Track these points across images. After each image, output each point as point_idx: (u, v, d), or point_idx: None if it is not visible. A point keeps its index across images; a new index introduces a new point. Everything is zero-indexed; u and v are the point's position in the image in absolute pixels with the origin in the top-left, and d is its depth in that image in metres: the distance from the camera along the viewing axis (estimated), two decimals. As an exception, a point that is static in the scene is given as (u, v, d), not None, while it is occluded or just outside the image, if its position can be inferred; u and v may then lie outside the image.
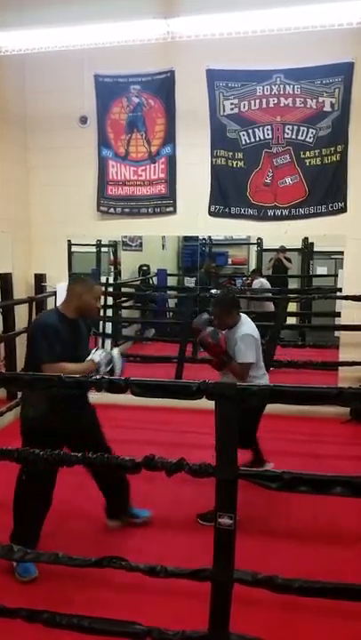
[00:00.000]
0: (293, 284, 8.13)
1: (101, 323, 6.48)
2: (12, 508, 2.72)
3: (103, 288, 7.64)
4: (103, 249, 7.64)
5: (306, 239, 7.62)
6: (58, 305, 2.96)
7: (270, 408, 3.60)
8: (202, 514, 3.09)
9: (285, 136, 4.89)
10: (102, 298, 7.65)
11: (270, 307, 6.38)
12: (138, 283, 8.42)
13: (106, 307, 7.48)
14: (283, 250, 8.07)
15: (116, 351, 2.97)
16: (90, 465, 2.07)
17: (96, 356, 2.81)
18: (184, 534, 3.04)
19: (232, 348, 3.24)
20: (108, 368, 2.84)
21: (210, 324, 3.31)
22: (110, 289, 8.12)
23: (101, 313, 3.45)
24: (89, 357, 2.80)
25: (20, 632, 2.12)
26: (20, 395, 4.83)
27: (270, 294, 7.21)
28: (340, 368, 5.17)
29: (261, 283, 7.24)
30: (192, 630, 1.93)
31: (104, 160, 5.26)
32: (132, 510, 3.15)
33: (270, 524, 3.16)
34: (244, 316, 3.39)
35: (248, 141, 4.96)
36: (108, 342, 6.62)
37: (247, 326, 3.30)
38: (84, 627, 1.98)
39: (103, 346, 6.23)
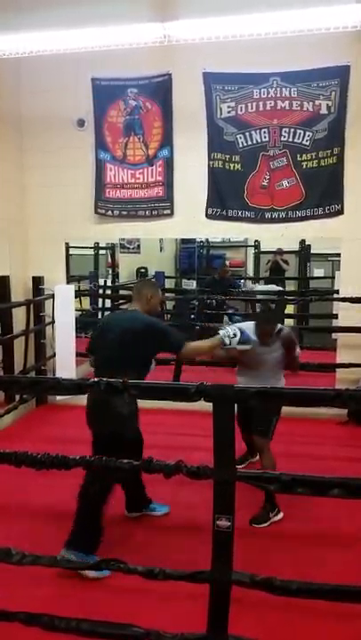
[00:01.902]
0: (291, 286, 8.15)
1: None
2: (10, 506, 2.71)
3: (101, 290, 7.67)
4: (101, 251, 7.65)
5: (303, 241, 7.65)
6: (136, 307, 2.98)
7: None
8: (253, 519, 3.16)
9: (282, 139, 4.91)
10: (101, 300, 7.70)
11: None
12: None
13: (104, 309, 7.49)
14: (280, 252, 8.10)
15: (240, 326, 3.03)
16: (89, 467, 2.07)
17: (221, 331, 2.90)
18: (182, 536, 3.04)
19: (276, 350, 3.34)
20: (233, 340, 2.86)
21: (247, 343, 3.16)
22: (108, 291, 8.13)
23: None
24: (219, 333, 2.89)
25: (18, 636, 2.11)
26: (18, 398, 4.83)
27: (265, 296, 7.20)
28: (337, 370, 5.18)
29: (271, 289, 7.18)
30: (190, 632, 1.93)
31: (101, 163, 5.27)
32: (152, 504, 3.27)
33: (268, 526, 3.16)
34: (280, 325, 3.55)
35: (245, 144, 4.98)
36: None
37: (286, 328, 3.49)
38: (83, 630, 1.97)
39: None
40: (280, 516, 3.22)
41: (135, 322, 2.85)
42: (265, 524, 3.16)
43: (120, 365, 2.67)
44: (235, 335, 2.84)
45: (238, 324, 3.13)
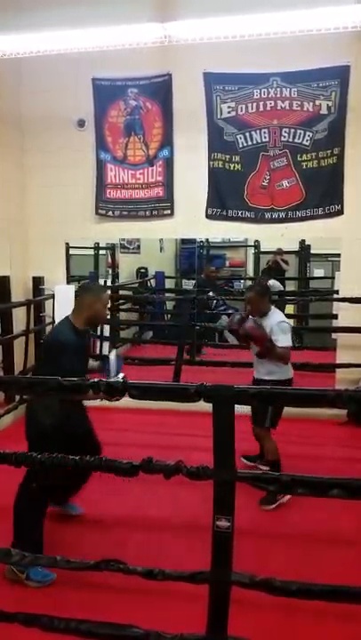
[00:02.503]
0: (291, 287, 8.14)
1: (99, 325, 6.48)
2: (9, 506, 2.70)
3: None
4: (101, 251, 7.64)
5: (303, 241, 7.64)
6: (69, 316, 2.88)
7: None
8: (262, 500, 3.28)
9: (282, 139, 4.91)
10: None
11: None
12: (136, 285, 8.43)
13: (65, 318, 7.46)
14: (280, 252, 8.09)
15: (112, 354, 2.98)
16: (88, 469, 2.07)
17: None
18: (182, 537, 3.03)
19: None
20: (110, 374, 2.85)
21: (243, 321, 3.55)
22: (108, 291, 8.11)
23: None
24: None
25: (17, 636, 2.11)
26: (18, 399, 4.83)
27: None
28: (337, 370, 5.18)
29: (272, 285, 7.12)
30: (190, 633, 1.93)
31: (102, 163, 5.27)
32: (70, 504, 3.21)
33: (268, 527, 3.16)
34: (274, 307, 3.72)
35: (245, 144, 4.98)
36: (106, 345, 6.63)
37: (280, 314, 3.67)
38: (82, 630, 1.97)
39: (101, 349, 6.25)
40: (288, 497, 3.26)
41: (53, 337, 2.90)
42: (273, 506, 3.24)
43: (38, 372, 2.77)
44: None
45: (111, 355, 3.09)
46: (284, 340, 3.48)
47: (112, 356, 2.97)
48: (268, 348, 3.48)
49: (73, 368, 2.56)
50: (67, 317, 2.89)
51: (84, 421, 2.95)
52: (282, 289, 7.24)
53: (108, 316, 3.17)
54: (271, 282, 7.13)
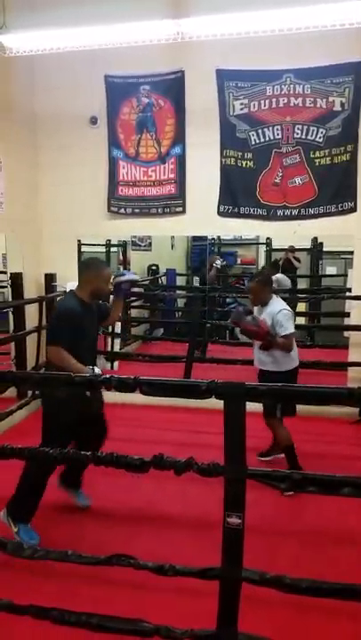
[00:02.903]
0: (302, 284, 8.10)
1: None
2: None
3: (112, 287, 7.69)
4: (112, 249, 7.65)
5: (315, 239, 7.59)
6: (74, 290, 3.09)
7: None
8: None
9: (295, 136, 4.88)
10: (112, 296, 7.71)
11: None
12: (147, 282, 8.44)
13: (70, 290, 7.47)
14: (292, 250, 8.04)
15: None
16: (98, 464, 2.08)
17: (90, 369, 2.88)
18: (192, 533, 3.04)
19: (269, 326, 3.56)
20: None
21: (246, 315, 3.61)
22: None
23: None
24: (90, 367, 2.87)
25: (29, 629, 2.14)
26: (30, 394, 4.87)
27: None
28: (349, 368, 5.15)
29: (278, 279, 7.06)
30: (200, 629, 1.94)
31: (114, 160, 5.28)
32: (80, 489, 3.30)
33: (279, 524, 3.16)
34: (275, 296, 3.78)
35: (258, 141, 4.96)
36: (117, 342, 6.64)
37: (280, 303, 3.70)
38: (93, 624, 1.99)
39: (112, 345, 6.26)
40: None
41: (58, 305, 3.20)
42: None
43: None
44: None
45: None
46: (285, 328, 3.54)
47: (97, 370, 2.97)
48: (269, 341, 3.55)
49: (78, 332, 2.83)
50: (72, 291, 3.11)
51: (97, 403, 3.06)
52: (289, 285, 7.20)
53: (111, 291, 3.28)
54: (279, 276, 7.09)
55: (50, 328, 3.11)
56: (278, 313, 3.57)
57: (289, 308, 3.70)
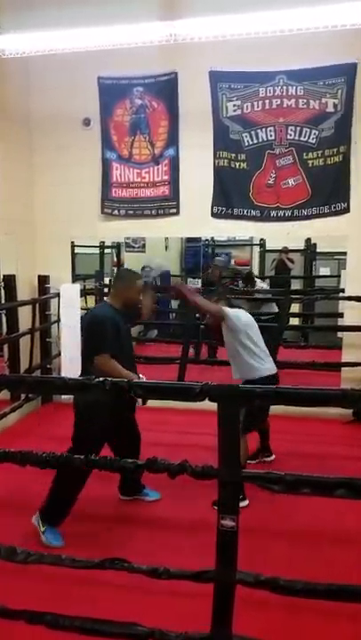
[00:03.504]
0: (296, 285, 8.13)
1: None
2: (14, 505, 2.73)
3: (106, 289, 7.68)
4: (106, 250, 7.65)
5: (309, 240, 7.63)
6: (107, 300, 3.16)
7: (272, 409, 3.64)
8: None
9: (288, 137, 4.89)
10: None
11: (273, 307, 6.37)
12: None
13: (102, 300, 7.47)
14: (286, 251, 8.07)
15: None
16: (93, 467, 2.07)
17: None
18: (186, 535, 3.04)
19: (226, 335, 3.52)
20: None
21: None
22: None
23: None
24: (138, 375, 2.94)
25: (22, 634, 2.12)
26: (23, 397, 4.84)
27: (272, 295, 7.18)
28: (342, 369, 5.16)
29: (261, 287, 7.10)
30: (194, 632, 1.93)
31: (108, 162, 5.27)
32: (144, 489, 3.36)
33: (273, 526, 3.16)
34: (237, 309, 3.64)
35: (251, 142, 4.97)
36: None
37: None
38: (87, 628, 1.98)
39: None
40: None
41: (87, 318, 3.14)
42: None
43: (85, 359, 3.00)
44: None
45: None
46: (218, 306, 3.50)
47: None
48: (187, 295, 3.57)
49: (112, 345, 2.83)
50: (105, 301, 3.17)
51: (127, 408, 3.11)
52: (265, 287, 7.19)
53: (144, 304, 3.36)
54: (259, 285, 7.07)
55: (91, 338, 3.00)
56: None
57: (242, 313, 3.61)
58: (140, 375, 2.96)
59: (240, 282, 7.76)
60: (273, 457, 3.91)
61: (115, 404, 2.85)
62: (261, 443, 3.91)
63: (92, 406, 2.84)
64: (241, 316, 3.51)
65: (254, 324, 3.57)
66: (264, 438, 3.91)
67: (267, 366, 3.52)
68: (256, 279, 7.05)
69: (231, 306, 3.59)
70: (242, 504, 3.14)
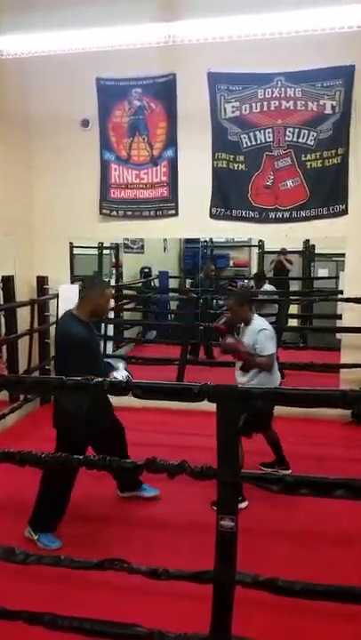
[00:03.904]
0: (295, 287, 8.12)
1: (103, 325, 6.49)
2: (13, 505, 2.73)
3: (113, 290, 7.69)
4: (105, 251, 7.64)
5: (307, 241, 7.62)
6: (72, 310, 3.04)
7: (271, 410, 3.63)
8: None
9: (286, 139, 4.90)
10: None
11: (272, 309, 6.37)
12: (139, 285, 8.43)
13: (69, 311, 7.46)
14: (284, 252, 8.07)
15: (121, 365, 3.07)
16: (91, 467, 2.07)
17: (116, 374, 2.92)
18: (186, 536, 3.04)
19: (250, 345, 3.47)
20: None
21: (227, 327, 3.58)
22: (111, 288, 8.13)
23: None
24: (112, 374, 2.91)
25: (21, 634, 2.12)
26: (22, 398, 4.84)
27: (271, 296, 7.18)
28: (341, 370, 5.17)
29: (266, 291, 7.10)
30: (193, 632, 1.93)
31: (106, 163, 5.28)
32: (142, 485, 3.36)
33: (272, 527, 3.16)
34: (256, 315, 3.64)
35: (249, 144, 4.97)
36: (110, 344, 6.62)
37: (261, 321, 3.57)
38: (86, 629, 1.98)
39: (105, 348, 6.25)
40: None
41: (59, 337, 3.05)
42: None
43: (57, 368, 3.01)
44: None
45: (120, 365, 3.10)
46: (265, 348, 3.43)
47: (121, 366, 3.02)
48: (248, 361, 3.47)
49: (86, 361, 2.77)
50: (69, 311, 3.05)
51: (106, 414, 3.12)
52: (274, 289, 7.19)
53: (110, 311, 3.35)
54: (267, 287, 7.07)
55: (63, 359, 2.97)
56: (259, 332, 3.46)
57: (270, 328, 3.57)
58: (120, 366, 2.99)
59: (251, 281, 7.80)
60: (290, 472, 3.54)
61: (90, 414, 2.84)
62: (276, 455, 3.78)
63: (68, 415, 2.88)
64: (270, 333, 3.52)
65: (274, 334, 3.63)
66: (277, 450, 3.78)
67: (278, 378, 3.66)
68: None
69: (250, 309, 3.62)
70: (241, 505, 3.15)
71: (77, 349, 2.86)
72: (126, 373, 2.97)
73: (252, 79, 4.85)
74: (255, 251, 8.78)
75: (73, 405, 2.84)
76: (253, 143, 4.97)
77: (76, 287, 5.42)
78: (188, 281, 8.56)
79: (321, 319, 7.04)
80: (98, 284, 3.24)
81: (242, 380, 3.58)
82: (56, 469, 2.62)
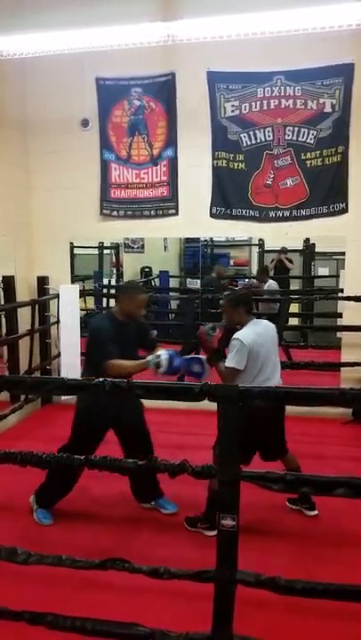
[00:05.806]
0: (295, 285, 8.11)
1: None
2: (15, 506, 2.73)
3: (105, 290, 7.68)
4: (105, 251, 7.64)
5: (307, 240, 7.61)
6: (111, 310, 3.28)
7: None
8: (189, 518, 3.12)
9: (286, 137, 4.90)
10: (105, 299, 7.71)
11: (273, 307, 6.37)
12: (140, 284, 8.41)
13: (108, 308, 7.48)
14: (284, 251, 8.06)
15: (164, 353, 2.86)
16: (92, 468, 2.07)
17: (150, 357, 2.87)
18: (187, 535, 3.04)
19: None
20: (158, 370, 2.81)
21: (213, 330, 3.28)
22: (112, 291, 8.13)
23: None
24: (147, 359, 2.88)
25: (23, 635, 2.12)
26: (23, 398, 4.84)
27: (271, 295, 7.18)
28: (341, 369, 5.17)
29: (270, 285, 7.13)
30: (195, 632, 1.94)
31: (106, 163, 5.28)
32: (162, 500, 3.33)
33: (273, 525, 3.16)
34: (256, 320, 3.14)
35: (249, 143, 4.97)
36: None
37: (246, 330, 3.02)
38: (88, 629, 1.98)
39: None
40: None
41: (90, 325, 3.33)
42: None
43: (86, 364, 3.21)
44: (159, 366, 2.78)
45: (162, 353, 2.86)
46: (229, 358, 2.96)
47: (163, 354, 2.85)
48: (210, 360, 3.07)
49: (111, 351, 2.89)
50: (109, 309, 3.32)
51: (132, 409, 3.16)
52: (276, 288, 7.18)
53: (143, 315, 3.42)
54: (271, 282, 7.09)
55: (93, 349, 3.08)
56: (231, 340, 2.97)
57: (248, 340, 2.93)
58: (161, 353, 2.82)
59: (253, 280, 7.79)
60: (316, 512, 3.22)
61: (108, 408, 2.92)
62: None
63: (88, 408, 3.01)
64: (240, 345, 2.95)
65: (258, 346, 3.01)
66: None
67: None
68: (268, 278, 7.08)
69: (250, 311, 3.17)
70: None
71: (102, 337, 3.00)
72: (167, 354, 2.79)
73: (252, 78, 4.85)
74: (255, 250, 8.78)
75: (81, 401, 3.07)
76: (253, 142, 4.96)
77: (76, 287, 5.43)
78: (194, 280, 8.54)
79: (321, 318, 7.04)
80: (128, 289, 3.29)
81: None
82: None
